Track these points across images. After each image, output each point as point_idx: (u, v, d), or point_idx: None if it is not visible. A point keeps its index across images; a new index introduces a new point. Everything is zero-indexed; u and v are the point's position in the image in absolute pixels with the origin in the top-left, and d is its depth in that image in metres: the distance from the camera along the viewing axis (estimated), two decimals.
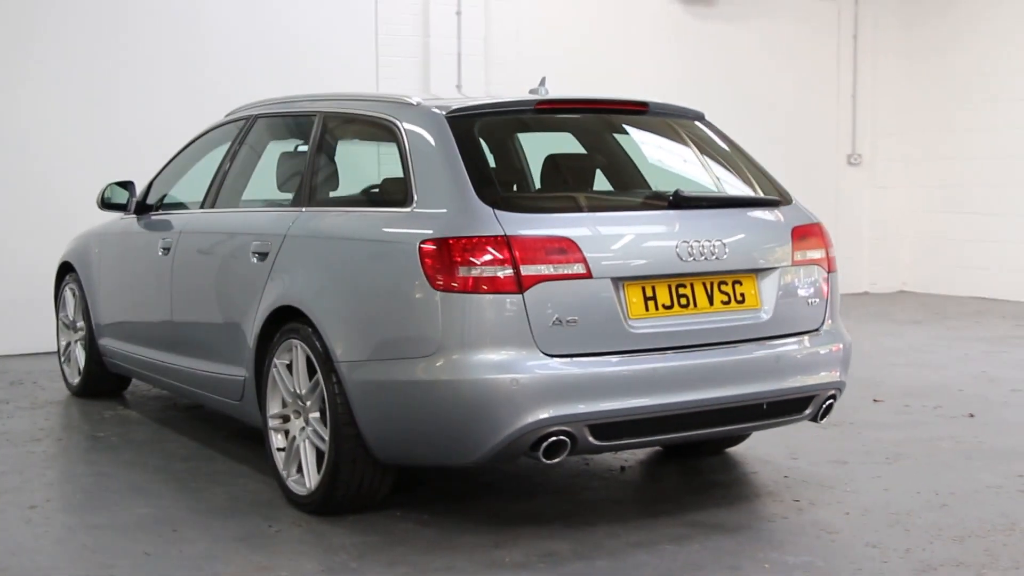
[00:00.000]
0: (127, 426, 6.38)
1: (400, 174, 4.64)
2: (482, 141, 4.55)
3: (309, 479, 4.66)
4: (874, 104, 12.89)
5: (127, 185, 6.50)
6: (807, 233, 4.74)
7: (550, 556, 4.19)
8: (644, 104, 4.91)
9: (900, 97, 12.89)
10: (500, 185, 4.45)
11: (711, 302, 4.43)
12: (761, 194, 4.83)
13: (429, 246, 4.18)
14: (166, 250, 5.87)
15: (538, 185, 4.96)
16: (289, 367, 4.81)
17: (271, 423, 4.93)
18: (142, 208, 6.45)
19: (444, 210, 4.29)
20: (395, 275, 4.30)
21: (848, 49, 12.72)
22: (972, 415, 6.52)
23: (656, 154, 4.93)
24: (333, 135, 5.17)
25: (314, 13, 9.97)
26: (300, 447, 4.73)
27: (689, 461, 5.50)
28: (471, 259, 4.10)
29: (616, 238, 4.31)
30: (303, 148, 5.44)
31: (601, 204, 4.56)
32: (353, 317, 4.43)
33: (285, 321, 4.83)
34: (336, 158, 5.20)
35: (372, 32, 10.22)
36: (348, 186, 5.35)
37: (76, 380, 7.18)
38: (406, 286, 4.24)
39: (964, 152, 12.42)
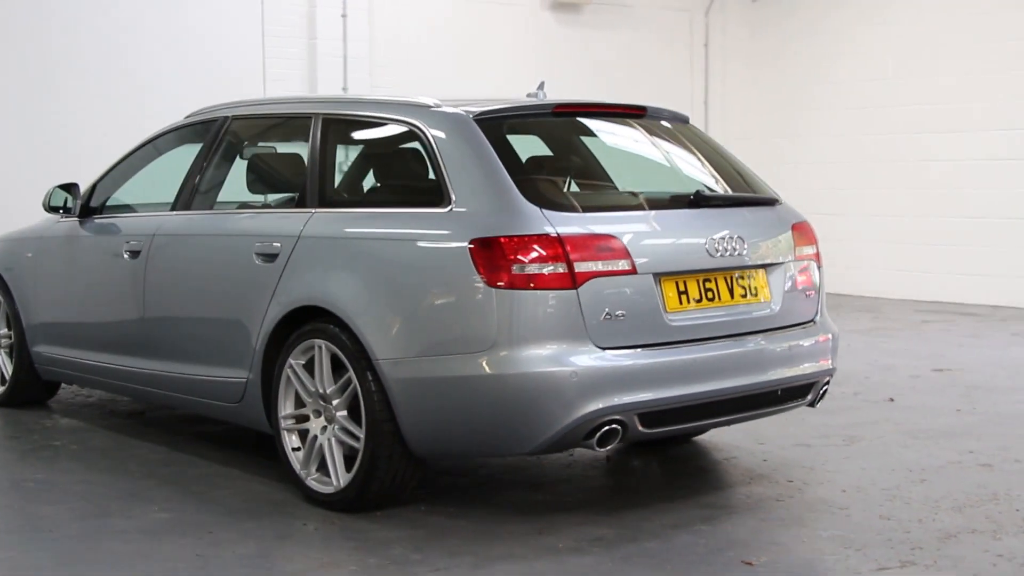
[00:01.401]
0: (78, 434, 6.22)
1: (423, 175, 4.75)
2: (510, 142, 4.69)
3: (338, 477, 4.69)
4: (724, 110, 13.49)
5: (70, 187, 6.34)
6: (802, 229, 5.06)
7: (598, 540, 4.37)
8: (643, 108, 5.15)
9: (749, 103, 13.54)
10: (539, 185, 4.59)
11: (732, 296, 4.69)
12: (759, 193, 5.12)
13: (481, 245, 4.30)
14: (134, 253, 5.76)
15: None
16: (306, 367, 4.83)
17: (284, 424, 4.94)
18: (86, 211, 6.31)
19: (490, 210, 4.41)
20: (443, 273, 4.40)
21: (700, 57, 13.27)
22: (892, 399, 7.00)
23: (660, 155, 5.15)
24: (336, 137, 5.20)
25: (201, 13, 9.87)
26: (323, 446, 4.77)
27: (668, 450, 5.75)
28: (526, 257, 4.25)
29: (653, 235, 4.54)
30: (294, 150, 5.46)
31: (633, 203, 4.75)
32: (394, 315, 4.50)
33: (302, 321, 4.85)
34: (340, 160, 5.25)
35: (259, 33, 10.17)
36: (362, 187, 5.40)
37: (0, 389, 6.94)
38: (456, 284, 4.35)
39: (809, 156, 13.13)
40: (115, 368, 5.97)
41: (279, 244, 4.98)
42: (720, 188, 5.02)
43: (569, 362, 4.25)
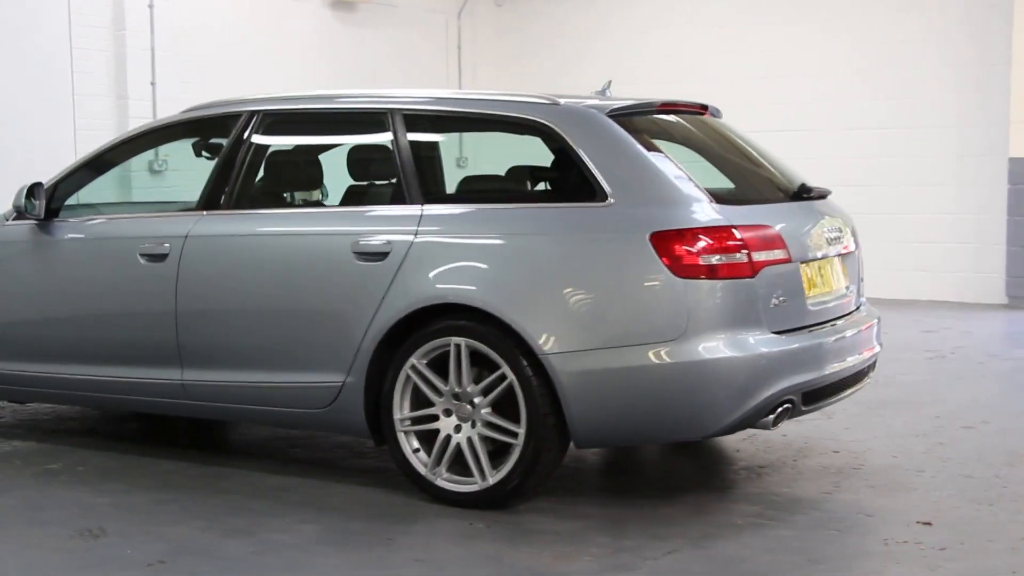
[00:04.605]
0: (61, 456, 5.67)
1: (556, 171, 4.85)
2: (645, 137, 4.86)
3: (484, 474, 4.68)
4: None
5: (32, 188, 5.78)
6: (851, 220, 5.54)
7: (761, 516, 4.66)
8: (705, 106, 5.47)
9: None
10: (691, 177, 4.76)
11: (832, 282, 5.09)
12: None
13: (664, 237, 4.45)
14: (156, 257, 5.37)
15: None
16: (431, 365, 4.78)
17: (401, 426, 4.86)
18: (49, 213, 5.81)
19: (658, 203, 4.57)
20: (621, 267, 4.51)
21: (454, 58, 13.60)
22: None
23: (734, 149, 5.39)
24: (428, 134, 5.14)
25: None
26: (460, 444, 4.73)
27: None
28: (713, 248, 4.46)
29: (792, 226, 4.85)
30: (357, 146, 5.36)
31: (764, 196, 5.01)
32: (562, 310, 4.54)
33: (422, 321, 4.79)
34: (434, 157, 5.20)
35: (65, 23, 9.48)
36: (476, 183, 5.33)
37: None
38: (638, 277, 4.48)
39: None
40: (118, 381, 5.54)
41: (389, 241, 4.87)
42: (794, 180, 5.34)
43: (756, 346, 4.51)
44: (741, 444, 5.78)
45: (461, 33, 13.61)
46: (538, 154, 5.52)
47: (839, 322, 5.07)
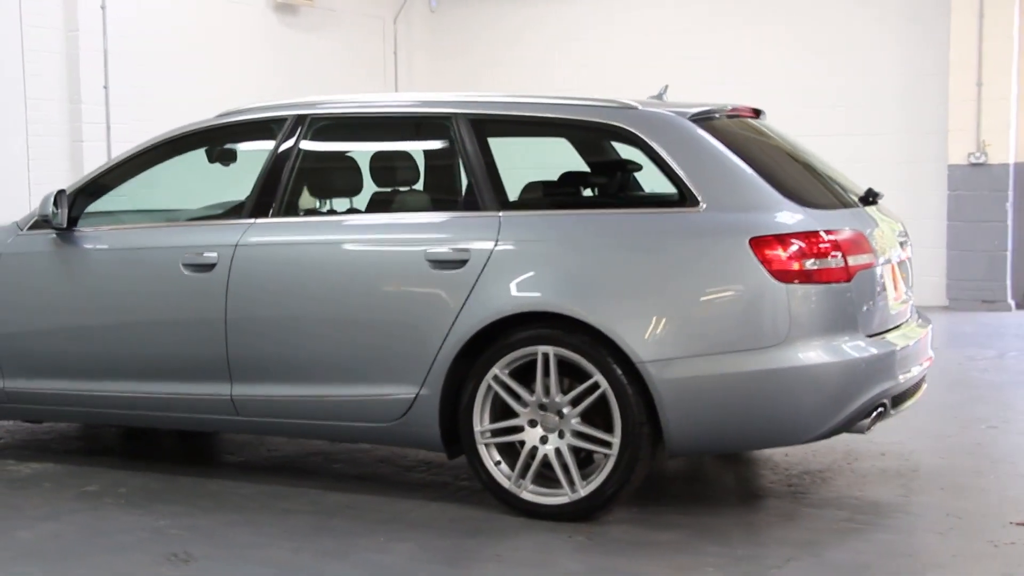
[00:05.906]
0: (100, 477, 5.37)
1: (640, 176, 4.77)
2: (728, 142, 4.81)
3: (575, 486, 4.59)
4: None
5: (56, 196, 5.49)
6: None
7: (852, 520, 4.66)
8: (758, 111, 5.46)
9: None
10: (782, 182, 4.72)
11: (899, 286, 5.11)
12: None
13: (764, 243, 4.41)
14: (202, 267, 5.14)
15: None
16: (513, 375, 4.67)
17: (481, 439, 4.73)
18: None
19: (752, 208, 4.52)
20: (719, 272, 4.46)
21: (391, 62, 13.45)
22: None
23: (791, 151, 5.35)
24: (499, 139, 5.02)
25: None
26: (548, 455, 4.63)
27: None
28: (813, 252, 4.43)
29: (872, 230, 4.85)
30: (416, 151, 5.22)
31: (839, 200, 4.97)
32: (660, 317, 4.46)
33: (502, 330, 4.67)
34: (505, 162, 5.07)
35: (17, 22, 9.08)
36: (555, 189, 5.20)
37: None
38: (739, 282, 4.43)
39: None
40: (157, 397, 5.28)
41: (467, 249, 4.74)
42: (851, 184, 5.35)
43: (855, 351, 4.49)
44: (787, 448, 5.77)
45: (397, 37, 13.47)
46: (558, 159, 5.47)
47: (908, 325, 5.10)
